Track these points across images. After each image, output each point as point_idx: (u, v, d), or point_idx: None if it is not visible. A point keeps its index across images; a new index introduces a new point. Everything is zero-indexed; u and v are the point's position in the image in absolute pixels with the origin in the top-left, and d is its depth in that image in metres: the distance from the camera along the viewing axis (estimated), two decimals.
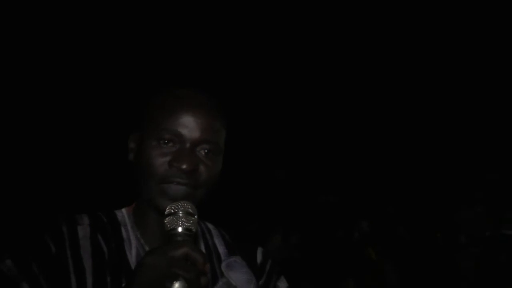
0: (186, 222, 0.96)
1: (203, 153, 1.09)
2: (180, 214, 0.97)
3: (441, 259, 3.67)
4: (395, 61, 5.06)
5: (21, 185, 4.24)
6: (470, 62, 4.85)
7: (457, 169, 4.72)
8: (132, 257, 1.11)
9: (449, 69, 4.98)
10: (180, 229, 0.95)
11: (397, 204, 4.50)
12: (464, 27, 4.70)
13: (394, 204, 4.49)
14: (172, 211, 0.98)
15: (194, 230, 0.97)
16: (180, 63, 4.68)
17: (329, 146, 5.43)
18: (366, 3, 4.59)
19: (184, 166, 1.05)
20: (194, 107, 1.10)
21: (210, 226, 1.29)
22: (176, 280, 0.86)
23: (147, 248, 1.12)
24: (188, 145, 1.08)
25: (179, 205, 0.99)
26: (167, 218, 0.97)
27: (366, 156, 5.34)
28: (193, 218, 0.98)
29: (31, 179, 4.32)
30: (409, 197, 4.68)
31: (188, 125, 1.08)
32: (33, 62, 4.37)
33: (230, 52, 4.87)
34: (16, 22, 4.09)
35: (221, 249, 1.24)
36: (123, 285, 1.04)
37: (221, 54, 4.83)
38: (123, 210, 1.20)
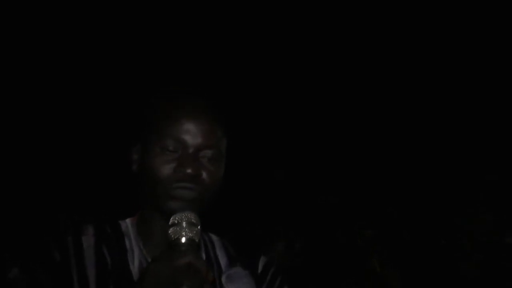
0: (190, 233, 0.98)
1: (206, 159, 1.11)
2: (184, 225, 0.99)
3: (445, 266, 3.68)
4: (395, 61, 5.06)
5: (28, 191, 4.25)
6: (470, 64, 4.85)
7: (462, 174, 4.73)
8: (134, 268, 1.12)
9: (449, 70, 4.98)
10: (183, 239, 0.97)
11: (400, 209, 4.50)
12: (464, 27, 4.70)
13: (397, 208, 4.50)
14: (176, 221, 1.00)
15: (197, 240, 0.99)
16: (177, 63, 4.67)
17: (329, 146, 5.43)
18: (366, 3, 4.59)
19: (188, 171, 1.07)
20: (196, 113, 1.12)
21: (214, 237, 1.30)
22: (180, 287, 0.88)
23: (149, 259, 1.13)
24: (191, 150, 1.10)
25: (182, 215, 1.01)
26: (171, 229, 1.00)
27: (366, 158, 5.34)
28: (196, 229, 1.00)
29: (38, 185, 4.32)
30: (412, 202, 4.68)
31: (190, 131, 1.10)
32: (32, 65, 4.36)
33: (228, 52, 4.86)
34: (13, 23, 4.08)
35: (223, 261, 1.24)
36: None
37: (219, 55, 4.82)
38: (127, 220, 1.21)
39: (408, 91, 5.17)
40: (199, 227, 1.01)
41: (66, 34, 4.28)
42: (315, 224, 4.38)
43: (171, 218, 1.02)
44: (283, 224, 4.12)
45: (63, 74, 4.48)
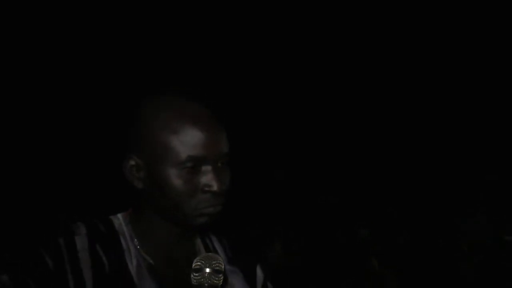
0: (214, 279, 1.00)
1: (221, 166, 1.09)
2: (207, 271, 0.99)
3: (443, 267, 3.67)
4: (395, 61, 5.05)
5: (20, 188, 4.23)
6: (470, 64, 4.84)
7: (461, 174, 4.72)
8: (133, 268, 1.09)
9: (449, 71, 4.98)
10: (206, 285, 0.99)
11: (398, 209, 4.49)
12: (464, 27, 4.69)
13: (397, 208, 4.49)
14: (199, 266, 1.00)
15: (219, 285, 1.00)
16: (175, 65, 4.65)
17: (329, 147, 5.42)
18: (366, 3, 4.58)
19: (215, 189, 1.05)
20: (204, 122, 1.07)
21: (209, 232, 1.28)
22: None
23: (147, 258, 1.11)
24: (211, 164, 1.06)
25: (207, 261, 1.01)
26: (194, 274, 1.00)
27: (366, 158, 5.34)
28: (219, 276, 1.00)
29: (29, 182, 4.31)
30: (411, 202, 4.67)
31: (206, 143, 1.06)
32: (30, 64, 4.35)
33: (230, 55, 4.85)
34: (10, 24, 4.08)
35: (221, 255, 1.23)
36: None
37: (220, 57, 4.80)
38: (119, 216, 1.17)
39: (408, 92, 5.17)
40: (221, 275, 1.01)
41: (60, 36, 4.28)
42: (315, 224, 4.37)
43: (194, 262, 1.00)
44: (283, 224, 4.11)
45: (58, 74, 4.47)
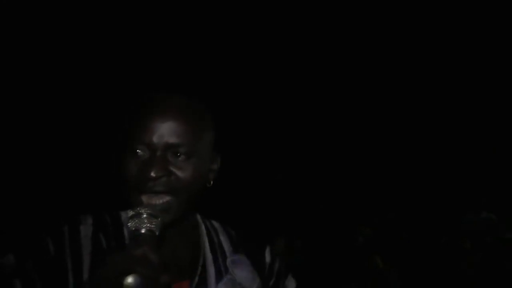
0: (149, 224, 0.98)
1: (176, 158, 1.09)
2: (144, 216, 0.99)
3: (445, 265, 3.67)
4: (394, 67, 5.05)
5: (31, 187, 4.24)
6: (470, 66, 4.84)
7: (460, 173, 4.72)
8: None
9: (449, 75, 4.97)
10: (143, 230, 0.97)
11: (400, 210, 4.48)
12: (464, 27, 4.69)
13: (398, 209, 4.48)
14: (136, 213, 1.00)
15: (156, 232, 0.99)
16: (178, 66, 4.66)
17: (331, 151, 5.43)
18: (366, 4, 4.58)
19: (152, 173, 1.06)
20: (163, 112, 1.09)
21: (216, 223, 1.31)
22: (132, 274, 0.88)
23: None
24: (158, 151, 1.08)
25: (143, 208, 1.01)
26: (131, 220, 0.99)
27: (369, 161, 5.34)
28: (156, 220, 1.00)
29: (40, 180, 4.32)
30: (412, 203, 4.67)
31: (157, 131, 1.08)
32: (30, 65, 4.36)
33: (235, 62, 4.85)
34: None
35: (226, 245, 1.25)
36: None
37: (226, 64, 4.80)
38: (129, 211, 1.18)
39: (407, 95, 5.17)
40: (159, 219, 1.00)
41: (59, 37, 4.28)
42: (316, 223, 4.38)
43: (132, 210, 1.01)
44: (284, 223, 4.12)
45: (59, 74, 4.48)
